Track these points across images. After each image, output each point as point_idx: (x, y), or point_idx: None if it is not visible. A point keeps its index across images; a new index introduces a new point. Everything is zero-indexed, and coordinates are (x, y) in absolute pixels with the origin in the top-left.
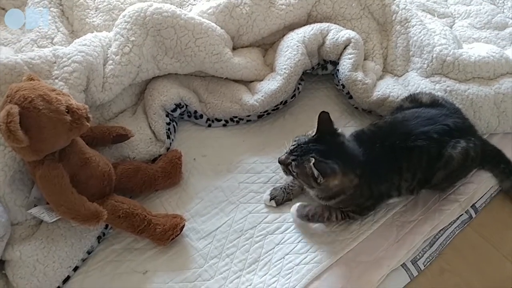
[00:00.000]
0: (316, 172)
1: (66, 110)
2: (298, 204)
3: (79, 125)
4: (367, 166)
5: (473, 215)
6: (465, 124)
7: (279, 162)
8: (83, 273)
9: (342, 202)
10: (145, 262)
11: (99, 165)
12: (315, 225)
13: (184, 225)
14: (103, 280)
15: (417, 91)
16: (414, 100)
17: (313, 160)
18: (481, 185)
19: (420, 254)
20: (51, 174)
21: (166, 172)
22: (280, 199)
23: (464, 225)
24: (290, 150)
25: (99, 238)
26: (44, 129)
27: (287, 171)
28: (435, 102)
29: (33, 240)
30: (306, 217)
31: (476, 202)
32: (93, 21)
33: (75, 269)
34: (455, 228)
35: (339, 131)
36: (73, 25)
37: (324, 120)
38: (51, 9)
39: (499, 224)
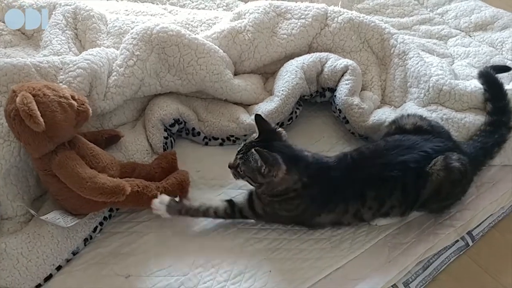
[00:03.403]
0: (259, 161)
1: (72, 97)
2: (168, 199)
3: (85, 108)
4: (323, 182)
5: (470, 243)
6: (447, 146)
7: (228, 166)
8: (66, 273)
9: (274, 202)
10: (129, 266)
11: (105, 153)
12: (304, 244)
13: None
14: (85, 281)
15: (400, 116)
16: (398, 127)
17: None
18: (477, 212)
19: (412, 277)
20: (69, 157)
21: (162, 167)
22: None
23: (460, 252)
24: (237, 152)
25: (85, 240)
26: (56, 114)
27: (236, 174)
28: (418, 129)
29: (20, 234)
30: (178, 211)
31: (473, 230)
32: (103, 43)
33: (58, 268)
34: (451, 254)
35: (279, 130)
36: (85, 47)
37: (260, 121)
38: (66, 31)
39: (497, 254)
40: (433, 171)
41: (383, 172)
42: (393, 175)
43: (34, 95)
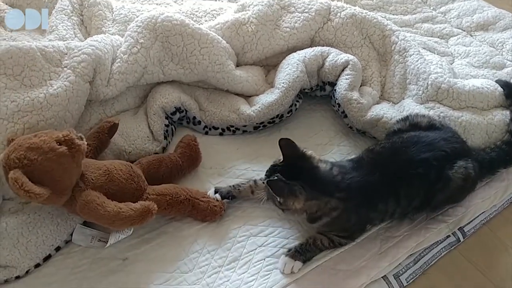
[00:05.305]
0: (270, 191)
1: (58, 144)
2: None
3: (76, 147)
4: (360, 191)
5: (461, 238)
6: (463, 148)
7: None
8: (65, 253)
9: (327, 225)
10: (126, 249)
11: (121, 168)
12: (297, 234)
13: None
14: (82, 262)
15: (414, 113)
16: (412, 124)
17: (272, 178)
18: (470, 209)
19: (403, 270)
20: (88, 201)
21: (187, 155)
22: (224, 193)
23: (452, 247)
24: (266, 171)
25: (85, 223)
26: (53, 171)
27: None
28: (433, 126)
29: (20, 214)
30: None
31: (464, 226)
32: (108, 30)
33: (57, 249)
34: (442, 248)
35: (309, 153)
36: (90, 34)
37: (285, 145)
38: (72, 17)
39: (488, 251)
40: (455, 178)
41: (409, 170)
42: (420, 172)
43: (23, 167)
